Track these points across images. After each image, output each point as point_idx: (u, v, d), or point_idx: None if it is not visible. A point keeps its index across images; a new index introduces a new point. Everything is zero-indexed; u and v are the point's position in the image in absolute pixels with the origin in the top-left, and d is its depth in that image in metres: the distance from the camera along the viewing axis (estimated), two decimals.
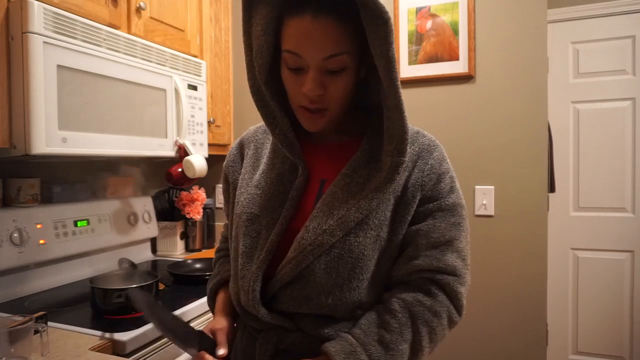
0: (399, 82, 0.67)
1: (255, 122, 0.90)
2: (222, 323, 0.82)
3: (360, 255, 0.71)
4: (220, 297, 0.89)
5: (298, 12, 0.66)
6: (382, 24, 0.63)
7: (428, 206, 0.75)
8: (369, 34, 0.65)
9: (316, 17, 0.65)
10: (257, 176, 0.81)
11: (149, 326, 1.09)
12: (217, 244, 2.12)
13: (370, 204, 0.71)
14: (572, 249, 2.58)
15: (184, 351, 0.78)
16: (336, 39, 0.66)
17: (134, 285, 0.78)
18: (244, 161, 0.86)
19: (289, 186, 0.77)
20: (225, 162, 0.91)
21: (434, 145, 0.79)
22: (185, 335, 0.76)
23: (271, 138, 0.85)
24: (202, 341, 0.76)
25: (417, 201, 0.75)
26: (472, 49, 1.74)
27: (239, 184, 0.83)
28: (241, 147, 0.89)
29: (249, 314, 0.77)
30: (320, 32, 0.65)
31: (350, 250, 0.71)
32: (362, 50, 0.71)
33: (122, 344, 1.02)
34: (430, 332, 0.71)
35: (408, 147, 0.77)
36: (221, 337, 0.78)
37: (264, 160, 0.82)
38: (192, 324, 1.25)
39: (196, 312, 1.26)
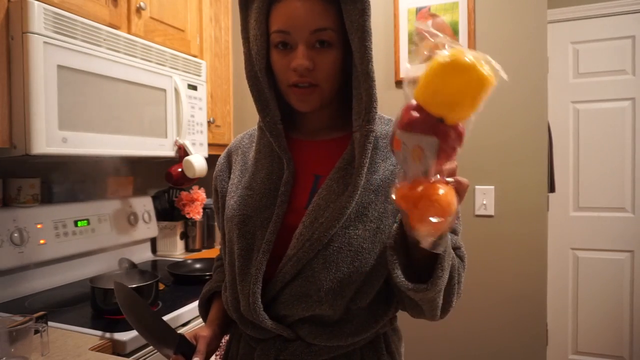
0: (372, 53, 0.71)
1: (255, 122, 0.90)
2: (206, 331, 0.81)
3: (359, 249, 0.71)
4: (213, 308, 0.88)
5: None
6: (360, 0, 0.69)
7: None
8: (345, 10, 0.70)
9: None
10: (246, 178, 0.80)
11: None
12: (217, 245, 2.13)
13: (356, 187, 0.70)
14: (572, 248, 2.58)
15: (158, 351, 0.76)
16: (323, 15, 0.70)
17: (118, 281, 0.78)
18: (233, 168, 0.86)
19: (278, 183, 0.77)
20: (214, 173, 0.90)
21: None
22: (162, 335, 0.76)
23: (255, 142, 0.84)
24: (181, 345, 0.75)
25: None
26: (472, 49, 1.74)
27: (229, 190, 0.83)
28: (229, 156, 0.89)
29: (247, 322, 0.76)
30: (307, 9, 0.69)
31: (349, 244, 0.70)
32: (345, 36, 0.73)
33: (122, 343, 1.02)
34: (460, 272, 0.74)
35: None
36: (201, 345, 0.77)
37: (251, 162, 0.82)
38: (191, 325, 1.25)
39: (196, 312, 1.26)
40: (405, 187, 0.53)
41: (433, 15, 1.80)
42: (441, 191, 0.52)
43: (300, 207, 0.75)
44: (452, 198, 0.52)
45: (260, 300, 0.72)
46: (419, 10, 1.82)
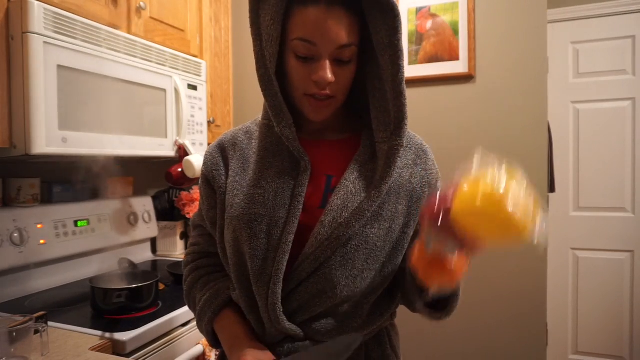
0: (405, 71, 0.71)
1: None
2: (269, 355, 0.72)
3: (373, 247, 0.73)
4: (237, 322, 0.78)
5: (310, 2, 0.68)
6: (393, 17, 0.68)
7: None
8: (374, 26, 0.69)
9: (330, 7, 0.67)
10: (251, 176, 0.78)
11: (149, 326, 1.10)
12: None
13: (380, 192, 0.72)
14: (572, 248, 2.58)
15: None
16: (349, 30, 0.69)
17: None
18: (231, 164, 0.82)
19: (291, 183, 0.76)
20: (205, 167, 0.84)
21: (426, 146, 0.84)
22: None
23: (255, 140, 0.82)
24: None
25: (426, 197, 0.78)
26: (472, 49, 1.75)
27: (230, 187, 0.79)
28: (222, 150, 0.84)
29: (261, 324, 0.75)
30: (335, 22, 0.67)
31: (366, 242, 0.72)
32: (360, 48, 0.73)
33: (122, 343, 1.02)
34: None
35: (406, 148, 0.81)
36: None
37: (255, 159, 0.79)
38: (190, 325, 1.25)
39: None
40: (422, 251, 0.61)
41: (433, 15, 1.80)
42: (453, 260, 0.59)
43: (313, 207, 0.75)
44: (463, 265, 0.60)
45: (280, 301, 0.71)
46: (419, 10, 1.82)
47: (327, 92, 0.71)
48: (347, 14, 0.68)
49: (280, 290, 0.71)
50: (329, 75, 0.69)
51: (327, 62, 0.69)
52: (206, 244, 0.89)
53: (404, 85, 0.71)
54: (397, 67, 0.70)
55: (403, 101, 0.71)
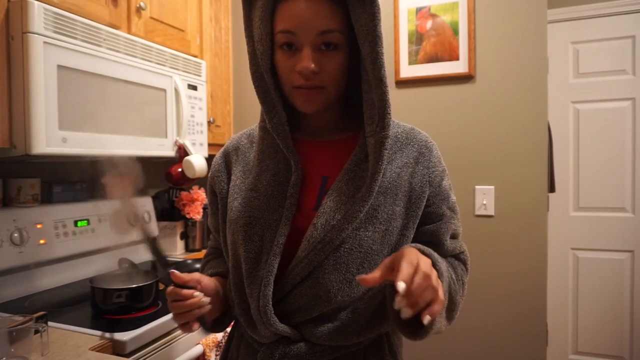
0: (384, 58, 0.70)
1: (255, 122, 0.90)
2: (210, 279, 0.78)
3: (368, 250, 0.71)
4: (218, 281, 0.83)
5: None
6: (370, 4, 0.67)
7: (441, 207, 0.79)
8: (355, 14, 0.69)
9: None
10: (250, 180, 0.79)
11: (149, 326, 1.10)
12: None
13: (371, 191, 0.70)
14: (572, 248, 2.58)
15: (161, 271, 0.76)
16: (330, 17, 0.69)
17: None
18: (233, 168, 0.84)
19: (285, 185, 0.75)
20: (210, 174, 0.88)
21: (431, 142, 0.82)
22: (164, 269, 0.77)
23: (255, 142, 0.83)
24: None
25: (426, 196, 0.77)
26: (472, 49, 1.75)
27: (231, 192, 0.81)
28: (226, 156, 0.87)
29: (254, 325, 0.75)
30: (314, 11, 0.68)
31: (359, 245, 0.71)
32: (351, 39, 0.73)
33: (122, 343, 1.02)
34: (463, 283, 0.80)
35: (408, 145, 0.79)
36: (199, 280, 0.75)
37: (254, 162, 0.80)
38: None
39: None
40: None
41: (433, 15, 1.80)
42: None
43: (308, 209, 0.74)
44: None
45: (271, 303, 0.71)
46: (419, 10, 1.82)
47: (315, 82, 0.71)
48: (329, 2, 0.68)
49: (270, 293, 0.71)
50: (310, 63, 0.68)
51: (309, 51, 0.69)
52: (215, 241, 0.98)
53: (384, 72, 0.70)
54: (376, 54, 0.68)
55: (384, 89, 0.70)
